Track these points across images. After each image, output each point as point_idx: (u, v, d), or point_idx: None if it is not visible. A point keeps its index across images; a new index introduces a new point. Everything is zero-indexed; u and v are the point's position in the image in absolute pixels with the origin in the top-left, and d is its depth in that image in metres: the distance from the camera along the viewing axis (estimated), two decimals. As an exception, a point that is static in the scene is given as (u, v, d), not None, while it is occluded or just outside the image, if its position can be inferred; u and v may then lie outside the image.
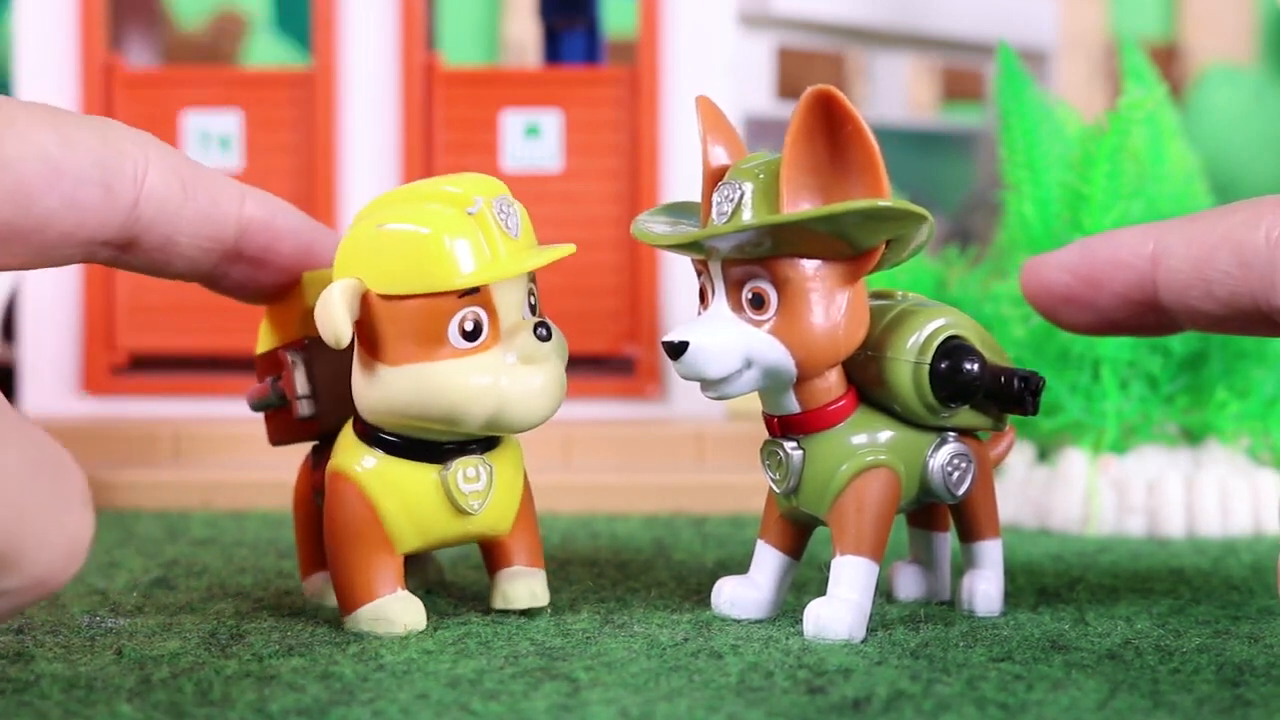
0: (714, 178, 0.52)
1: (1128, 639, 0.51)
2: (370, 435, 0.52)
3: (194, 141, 0.84)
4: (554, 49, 0.94)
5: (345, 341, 0.49)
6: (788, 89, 1.11)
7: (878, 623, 0.53)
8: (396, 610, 0.51)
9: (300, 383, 0.54)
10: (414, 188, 0.52)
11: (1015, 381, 0.52)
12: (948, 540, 0.57)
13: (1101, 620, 0.54)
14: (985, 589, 0.55)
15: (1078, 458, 0.73)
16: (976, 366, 0.51)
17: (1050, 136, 0.77)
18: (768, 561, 0.54)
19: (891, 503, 0.52)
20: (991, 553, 0.55)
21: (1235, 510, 0.72)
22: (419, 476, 0.51)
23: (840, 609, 0.50)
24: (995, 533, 0.55)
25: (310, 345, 0.54)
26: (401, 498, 0.51)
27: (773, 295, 0.50)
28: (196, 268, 0.53)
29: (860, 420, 0.52)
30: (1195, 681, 0.46)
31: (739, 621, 0.53)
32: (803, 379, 0.51)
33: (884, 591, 0.57)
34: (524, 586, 0.53)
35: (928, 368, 0.51)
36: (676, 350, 0.50)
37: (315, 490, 0.55)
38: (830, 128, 0.49)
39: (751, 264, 0.50)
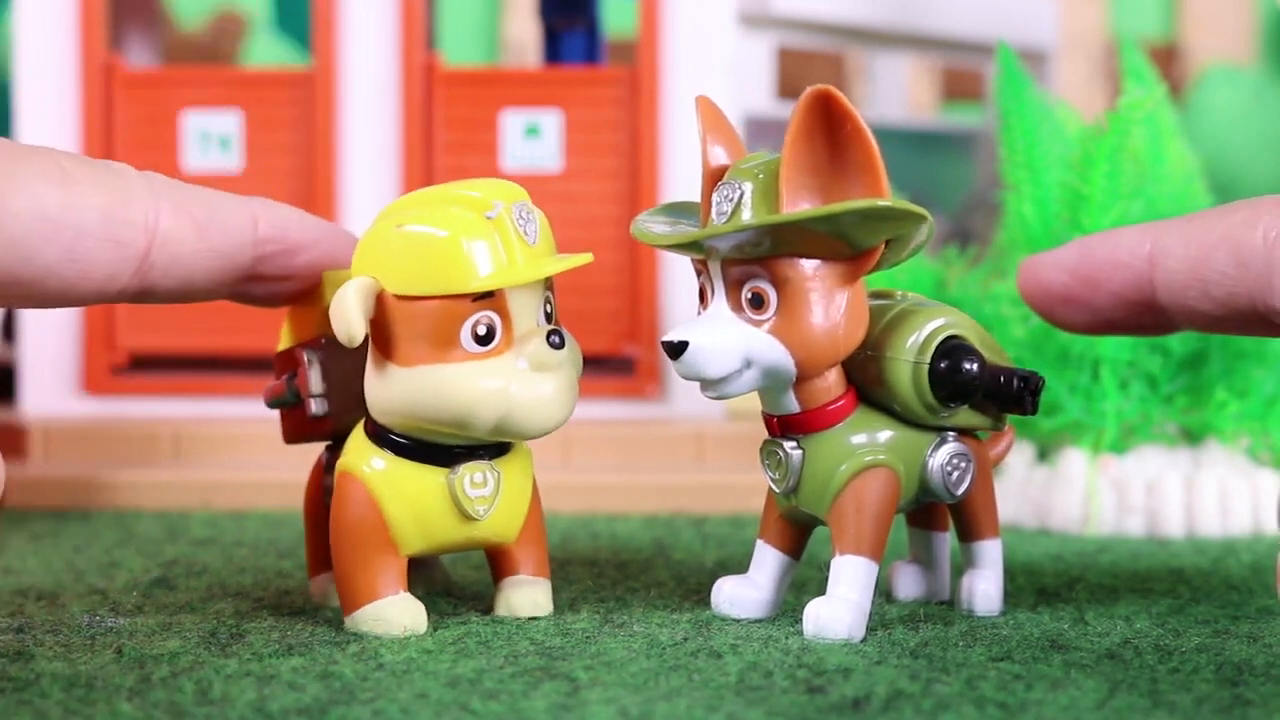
0: (714, 178, 0.52)
1: (1127, 639, 0.51)
2: (380, 436, 0.52)
3: (194, 141, 0.84)
4: (554, 49, 0.94)
5: (359, 340, 0.49)
6: (788, 89, 1.11)
7: (877, 622, 0.53)
8: (396, 612, 0.51)
9: (314, 381, 0.54)
10: (435, 190, 0.52)
11: (1015, 381, 0.52)
12: (947, 540, 0.57)
13: (1101, 620, 0.54)
14: (985, 589, 0.55)
15: (1077, 458, 0.73)
16: (976, 366, 0.51)
17: (1050, 136, 0.77)
18: (767, 561, 0.54)
19: (891, 502, 0.52)
20: (991, 552, 0.55)
21: (1235, 510, 0.72)
22: (426, 479, 0.51)
23: (840, 608, 0.50)
24: (995, 532, 0.55)
25: (327, 344, 0.54)
26: (408, 500, 0.51)
27: (772, 295, 0.50)
28: (215, 295, 0.54)
29: (860, 420, 0.52)
30: (1195, 681, 0.46)
31: (739, 621, 0.53)
32: (802, 379, 0.51)
33: (883, 591, 0.57)
34: (528, 596, 0.53)
35: (927, 367, 0.51)
36: (676, 350, 0.50)
37: (326, 491, 0.55)
38: (830, 128, 0.49)
39: (751, 264, 0.50)
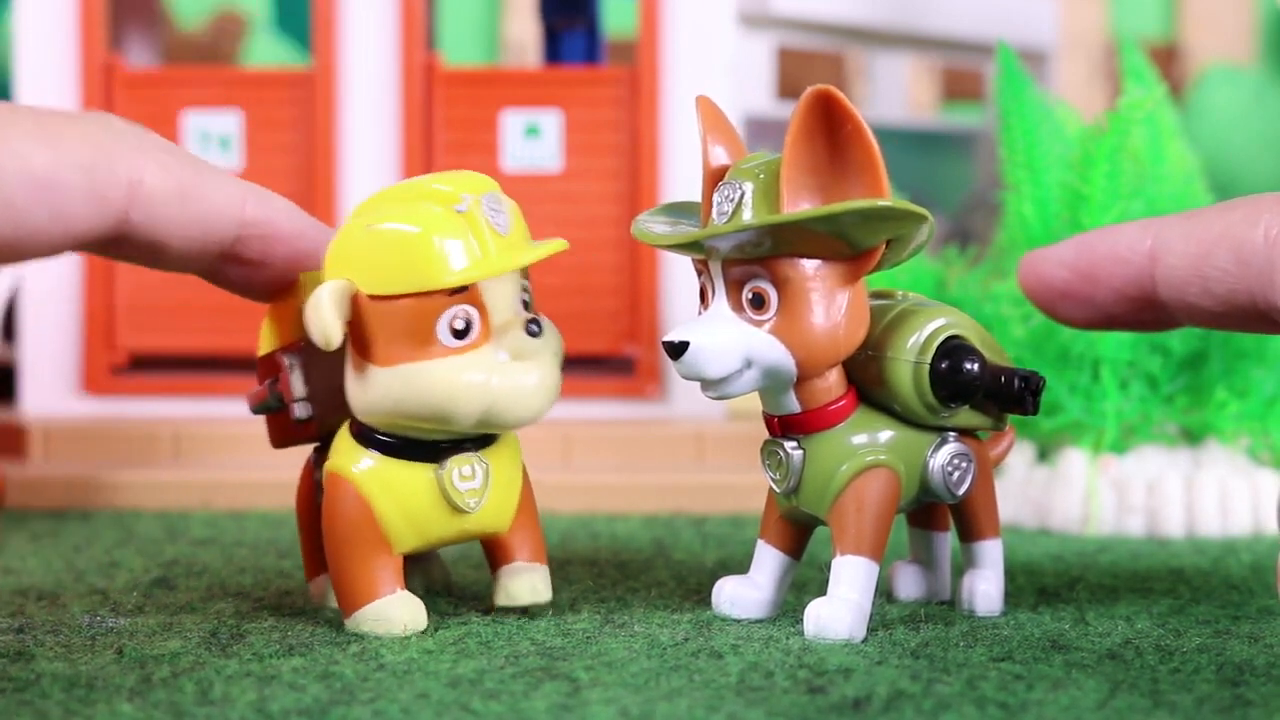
0: (714, 178, 0.52)
1: (1128, 639, 0.51)
2: (366, 436, 0.51)
3: (194, 141, 0.84)
4: (554, 49, 0.94)
5: (335, 343, 0.49)
6: (788, 89, 1.11)
7: (878, 622, 0.53)
8: (396, 611, 0.51)
9: (296, 385, 0.53)
10: (403, 186, 0.51)
11: (1015, 381, 0.52)
12: (948, 540, 0.57)
13: (1101, 620, 0.54)
14: (985, 589, 0.55)
15: (1078, 458, 0.73)
16: (976, 366, 0.51)
17: (1050, 136, 0.77)
18: (768, 561, 0.54)
19: (891, 502, 0.52)
20: (991, 552, 0.55)
21: (1235, 510, 0.72)
22: (415, 476, 0.51)
23: (840, 609, 0.50)
24: (995, 532, 0.55)
25: (307, 347, 0.53)
26: (398, 498, 0.51)
27: (773, 295, 0.50)
28: (188, 266, 0.53)
29: (860, 420, 0.52)
30: (1195, 681, 0.46)
31: (739, 621, 0.53)
32: (803, 379, 0.51)
33: (884, 591, 0.57)
34: (526, 582, 0.53)
35: (928, 367, 0.51)
36: (677, 350, 0.50)
37: (317, 487, 0.55)
38: (830, 127, 0.49)
39: (752, 264, 0.50)
